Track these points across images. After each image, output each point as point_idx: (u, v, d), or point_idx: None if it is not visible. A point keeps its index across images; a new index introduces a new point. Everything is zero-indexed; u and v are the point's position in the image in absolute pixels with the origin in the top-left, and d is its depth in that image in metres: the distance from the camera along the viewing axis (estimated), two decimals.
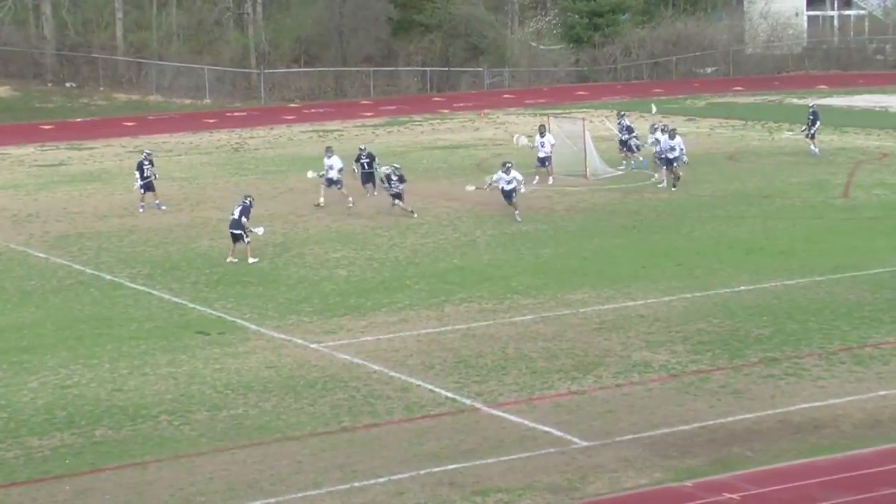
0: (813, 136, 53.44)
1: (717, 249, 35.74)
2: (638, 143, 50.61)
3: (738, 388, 23.71)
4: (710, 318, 28.48)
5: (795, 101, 63.85)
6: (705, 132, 63.68)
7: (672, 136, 46.02)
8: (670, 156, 45.72)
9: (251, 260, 35.03)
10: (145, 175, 43.46)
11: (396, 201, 41.17)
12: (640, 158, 50.53)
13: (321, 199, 43.77)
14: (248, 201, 35.85)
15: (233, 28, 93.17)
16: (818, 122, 53.60)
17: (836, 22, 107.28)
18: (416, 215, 40.62)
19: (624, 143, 51.06)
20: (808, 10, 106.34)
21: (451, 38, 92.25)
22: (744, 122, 67.04)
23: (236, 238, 35.39)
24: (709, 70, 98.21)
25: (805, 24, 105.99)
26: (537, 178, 46.95)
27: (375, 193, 44.17)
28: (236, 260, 35.22)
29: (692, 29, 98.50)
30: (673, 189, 45.17)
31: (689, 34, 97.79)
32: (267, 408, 23.23)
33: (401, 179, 41.12)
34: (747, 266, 33.52)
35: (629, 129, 51.17)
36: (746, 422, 21.97)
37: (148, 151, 45.47)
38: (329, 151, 44.32)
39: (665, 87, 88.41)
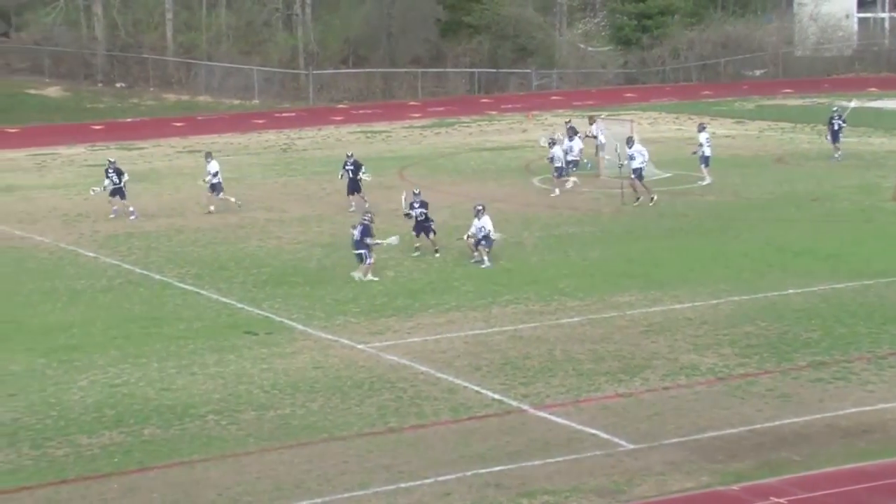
0: (837, 138, 52.74)
1: (766, 252, 35.57)
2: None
3: (785, 392, 23.59)
4: (758, 321, 28.35)
5: (845, 103, 63.46)
6: (754, 135, 63.37)
7: (630, 144, 43.71)
8: (633, 165, 42.99)
9: (371, 278, 33.22)
10: (115, 183, 43.07)
11: (423, 236, 36.46)
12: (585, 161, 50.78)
13: (211, 207, 43.82)
14: (367, 218, 34.13)
15: (282, 29, 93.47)
16: (844, 125, 53.14)
17: (887, 24, 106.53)
18: (438, 255, 35.92)
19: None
20: (858, 11, 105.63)
21: (500, 40, 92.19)
22: (793, 124, 66.66)
23: (360, 258, 33.60)
24: (758, 72, 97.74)
25: (855, 26, 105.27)
26: (571, 180, 46.72)
27: (353, 207, 42.30)
28: (361, 276, 33.38)
29: (741, 31, 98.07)
30: (634, 204, 42.64)
31: (738, 36, 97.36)
32: (314, 408, 23.30)
33: (423, 205, 36.51)
34: (796, 269, 33.35)
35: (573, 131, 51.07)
36: (794, 426, 21.87)
37: (112, 160, 45.01)
38: (208, 157, 44.40)
39: (714, 90, 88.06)
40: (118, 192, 43.30)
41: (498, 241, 35.30)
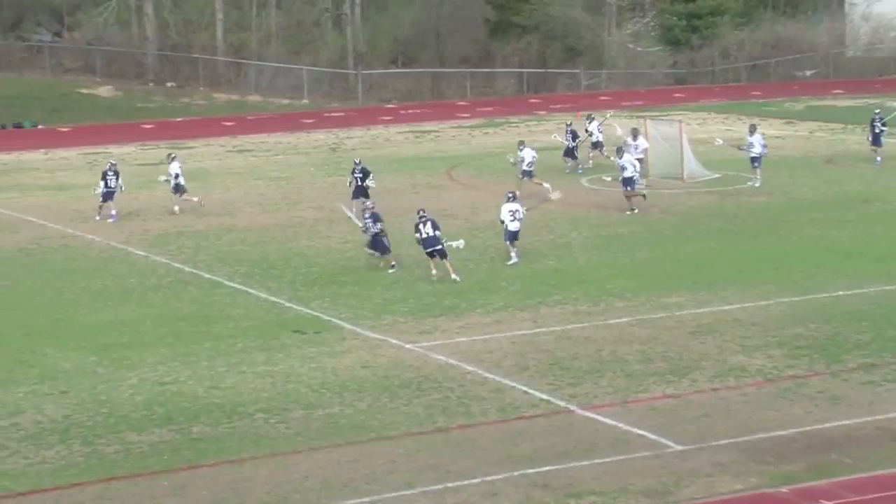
0: (879, 142, 52.06)
1: (816, 253, 35.38)
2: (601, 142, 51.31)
3: (835, 394, 23.46)
4: (808, 322, 28.20)
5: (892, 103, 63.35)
6: (804, 135, 63.04)
7: (620, 154, 42.68)
8: (624, 175, 42.01)
9: (454, 277, 32.85)
10: (109, 185, 43.12)
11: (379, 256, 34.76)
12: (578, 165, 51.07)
13: (176, 208, 44.04)
14: (424, 213, 33.80)
15: (331, 29, 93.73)
16: (885, 128, 52.38)
17: None
18: (393, 271, 34.22)
19: (571, 150, 51.48)
20: None
21: (549, 40, 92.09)
22: (843, 125, 66.25)
23: (441, 254, 33.19)
24: (808, 73, 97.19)
25: None
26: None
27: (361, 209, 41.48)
28: (456, 277, 33.02)
29: (791, 31, 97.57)
30: (628, 213, 41.54)
31: (788, 36, 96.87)
32: (362, 407, 23.35)
33: (376, 219, 34.74)
34: (846, 271, 33.15)
35: (574, 135, 51.19)
36: (844, 428, 21.74)
37: (113, 162, 45.12)
38: (171, 158, 44.72)
39: (763, 90, 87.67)
40: (109, 195, 43.16)
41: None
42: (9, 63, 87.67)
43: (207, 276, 34.45)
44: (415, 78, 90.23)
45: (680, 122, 51.93)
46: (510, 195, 35.99)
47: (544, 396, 23.70)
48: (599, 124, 52.98)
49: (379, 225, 34.52)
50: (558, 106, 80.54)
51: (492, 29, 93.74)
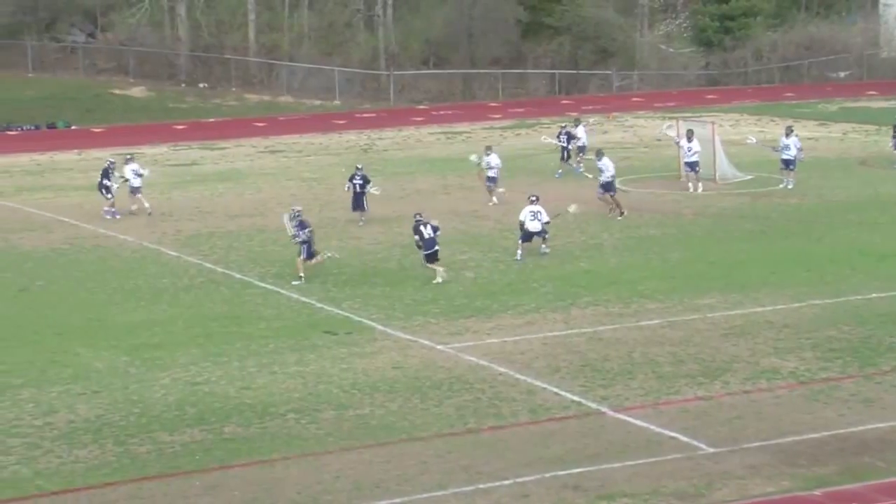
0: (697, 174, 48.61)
1: (849, 256, 35.23)
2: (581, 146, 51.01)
3: (869, 397, 23.35)
4: (841, 325, 28.08)
5: None
6: (838, 137, 62.77)
7: (600, 157, 42.13)
8: (602, 179, 41.47)
9: (440, 279, 32.98)
10: (105, 183, 43.49)
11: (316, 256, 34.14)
12: (573, 165, 50.81)
13: (133, 206, 44.25)
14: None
15: (363, 30, 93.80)
16: None
17: None
18: (299, 283, 33.36)
19: (565, 150, 51.13)
20: None
21: (580, 41, 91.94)
22: (878, 126, 65.90)
23: (436, 257, 33.45)
24: (842, 74, 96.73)
25: None
26: (691, 184, 46.42)
27: (362, 220, 41.33)
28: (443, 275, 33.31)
29: (825, 32, 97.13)
30: (619, 218, 40.98)
31: (821, 38, 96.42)
32: (393, 408, 23.37)
33: (302, 226, 33.97)
34: (880, 273, 33.00)
35: (569, 138, 50.95)
36: (878, 431, 21.64)
37: (111, 160, 45.24)
38: (129, 160, 44.65)
39: (797, 91, 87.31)
40: (108, 190, 43.62)
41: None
42: (43, 64, 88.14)
43: (239, 276, 34.54)
44: (446, 79, 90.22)
45: (713, 123, 51.77)
46: (532, 198, 36.35)
47: (576, 398, 23.67)
48: (586, 128, 52.97)
49: (307, 231, 33.98)
50: (590, 107, 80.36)
51: (523, 30, 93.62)
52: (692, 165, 46.64)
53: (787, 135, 47.28)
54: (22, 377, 25.76)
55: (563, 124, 53.41)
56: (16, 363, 26.84)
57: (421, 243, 33.62)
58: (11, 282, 34.73)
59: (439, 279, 33.15)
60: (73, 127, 75.11)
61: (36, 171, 56.81)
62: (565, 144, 51.01)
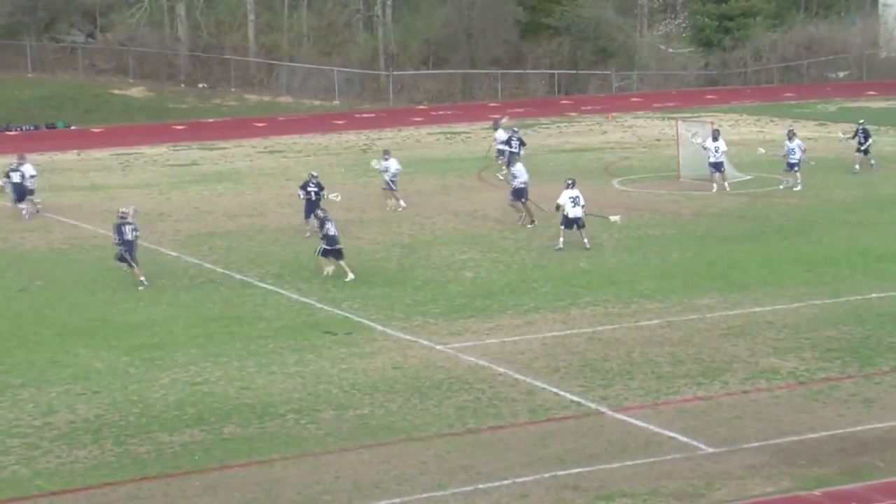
0: (867, 152, 50.89)
1: (848, 256, 35.23)
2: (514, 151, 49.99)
3: (868, 397, 23.36)
4: (840, 325, 28.09)
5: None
6: (837, 137, 62.69)
7: (513, 163, 41.75)
8: (515, 184, 40.54)
9: (350, 277, 33.42)
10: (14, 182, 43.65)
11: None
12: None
13: (39, 205, 44.53)
14: (322, 213, 34.64)
15: (362, 30, 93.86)
16: (870, 139, 51.12)
17: None
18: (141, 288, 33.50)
19: (501, 153, 50.55)
20: None
21: (580, 41, 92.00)
22: (877, 126, 65.88)
23: (340, 254, 34.00)
24: (841, 74, 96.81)
25: None
26: (716, 184, 46.39)
27: (310, 232, 38.82)
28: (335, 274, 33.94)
29: (824, 32, 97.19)
30: (529, 226, 40.06)
31: (821, 38, 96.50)
32: (392, 408, 23.38)
33: (121, 232, 33.77)
34: (879, 273, 33.01)
35: (521, 142, 50.53)
36: (877, 431, 21.65)
37: (17, 162, 45.02)
38: (21, 158, 44.69)
39: (796, 91, 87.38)
40: (21, 193, 43.78)
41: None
42: (42, 64, 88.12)
43: (239, 276, 34.54)
44: (446, 79, 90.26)
45: (712, 123, 51.78)
46: (569, 182, 37.04)
47: (575, 398, 23.68)
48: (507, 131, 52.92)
49: (135, 234, 34.17)
50: (589, 107, 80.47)
51: (523, 30, 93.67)
52: (717, 166, 46.47)
53: (791, 138, 47.19)
54: (21, 377, 25.77)
55: (515, 129, 53.24)
56: (15, 363, 26.85)
57: (325, 238, 34.14)
58: (11, 282, 34.74)
59: (350, 276, 33.55)
60: (72, 127, 75.18)
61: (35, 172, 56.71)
62: (517, 150, 50.39)
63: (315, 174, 40.66)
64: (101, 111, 79.47)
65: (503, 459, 20.69)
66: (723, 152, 46.56)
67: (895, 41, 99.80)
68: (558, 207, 36.87)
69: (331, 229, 34.08)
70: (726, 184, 46.36)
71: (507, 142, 50.92)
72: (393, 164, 44.28)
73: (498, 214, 42.54)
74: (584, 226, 36.70)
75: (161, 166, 57.57)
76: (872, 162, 50.53)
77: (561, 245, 36.48)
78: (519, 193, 40.48)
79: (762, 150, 50.66)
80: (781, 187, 46.62)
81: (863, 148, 50.70)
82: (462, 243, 38.14)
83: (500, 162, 51.57)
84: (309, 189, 39.58)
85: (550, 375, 25.04)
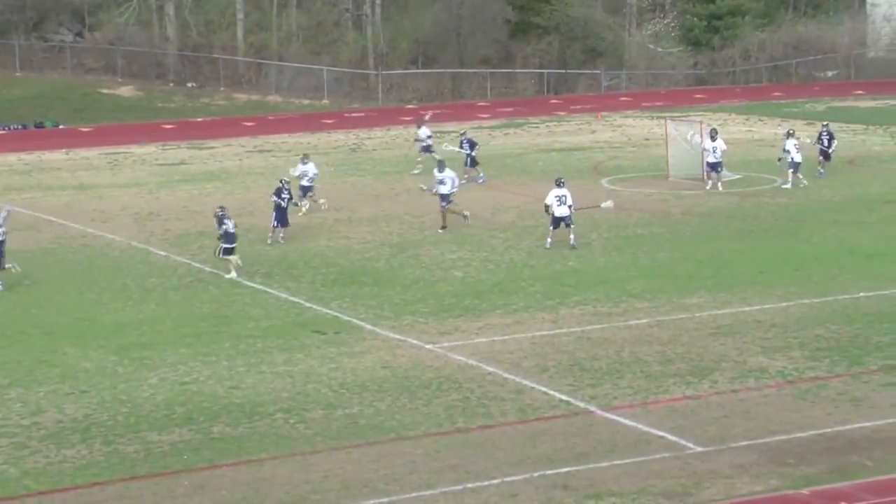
0: (828, 156, 49.38)
1: (837, 255, 35.29)
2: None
3: (856, 396, 23.40)
4: (829, 324, 28.13)
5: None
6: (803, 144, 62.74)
7: (441, 168, 40.52)
8: (441, 191, 39.94)
9: (232, 276, 33.95)
10: None
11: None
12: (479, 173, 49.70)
13: None
14: (220, 212, 34.79)
15: (351, 29, 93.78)
16: (835, 141, 49.86)
17: None
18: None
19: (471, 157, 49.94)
20: None
21: (569, 41, 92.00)
22: (865, 126, 66.06)
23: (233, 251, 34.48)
24: (829, 73, 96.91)
25: None
26: (710, 182, 46.39)
27: (282, 237, 38.67)
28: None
29: (813, 32, 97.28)
30: (440, 231, 39.71)
31: (809, 37, 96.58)
32: (381, 407, 23.37)
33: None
34: (868, 272, 33.06)
35: (471, 144, 50.05)
36: (865, 430, 21.68)
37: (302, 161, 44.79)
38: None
39: (785, 91, 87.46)
40: None
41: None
42: (30, 63, 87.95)
43: (227, 276, 34.48)
44: (435, 78, 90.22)
45: (700, 122, 51.82)
46: (559, 181, 37.32)
47: (564, 397, 23.69)
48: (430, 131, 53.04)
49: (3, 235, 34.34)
50: (578, 107, 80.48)
51: (512, 29, 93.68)
52: (714, 166, 46.41)
53: (789, 137, 47.06)
54: (9, 377, 25.72)
55: (462, 131, 53.17)
56: (3, 363, 26.79)
57: (223, 236, 34.46)
58: None
59: (234, 274, 33.92)
60: (61, 126, 75.03)
61: (24, 171, 56.72)
62: (468, 151, 50.18)
63: (286, 180, 39.62)
64: (89, 110, 79.34)
65: (492, 459, 20.69)
66: (722, 151, 46.54)
67: (883, 41, 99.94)
68: (547, 208, 36.93)
69: (230, 227, 34.48)
70: (720, 184, 46.37)
71: (461, 144, 50.31)
72: (311, 169, 43.72)
73: (487, 214, 42.54)
74: (571, 224, 36.69)
75: (150, 165, 57.49)
76: (821, 170, 48.80)
77: (549, 243, 36.55)
78: (442, 198, 40.00)
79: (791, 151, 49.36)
80: (778, 184, 46.62)
81: (828, 150, 49.33)
82: (451, 243, 38.14)
83: (419, 161, 51.77)
84: (283, 196, 38.55)
85: (539, 375, 25.05)
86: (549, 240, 36.70)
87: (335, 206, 44.17)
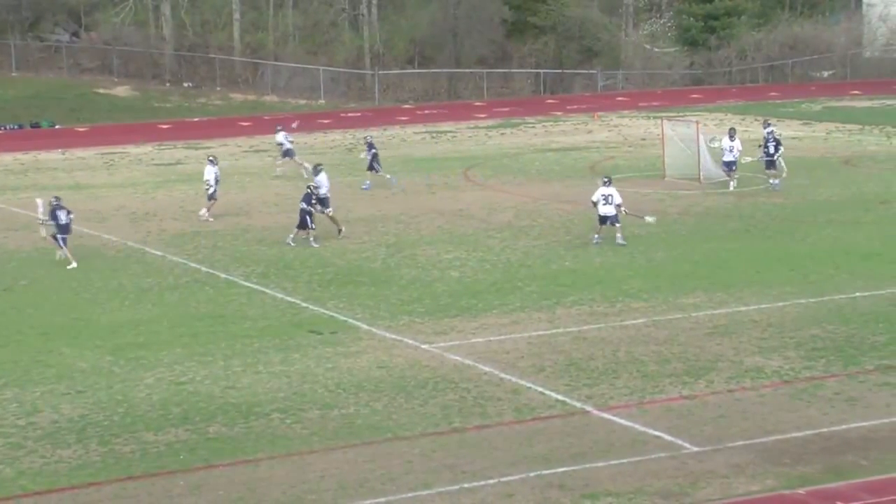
0: (772, 164, 46.86)
1: (833, 255, 35.30)
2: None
3: (852, 396, 23.40)
4: (825, 324, 28.14)
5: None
6: (822, 136, 62.92)
7: (317, 172, 40.09)
8: (320, 194, 39.02)
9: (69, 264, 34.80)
10: None
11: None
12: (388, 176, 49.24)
13: None
14: (55, 202, 36.23)
15: (348, 29, 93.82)
16: (781, 148, 47.08)
17: None
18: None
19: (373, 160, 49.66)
20: None
21: (565, 41, 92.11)
22: (861, 126, 66.15)
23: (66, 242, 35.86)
24: (826, 73, 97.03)
25: None
26: (732, 183, 46.40)
27: (313, 239, 38.15)
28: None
29: (809, 32, 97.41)
30: (340, 236, 39.00)
31: (805, 37, 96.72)
32: (378, 407, 23.36)
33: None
34: (863, 272, 33.08)
35: (371, 147, 49.82)
36: (861, 430, 21.69)
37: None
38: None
39: (781, 91, 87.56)
40: None
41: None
42: (27, 63, 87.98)
43: (224, 275, 34.49)
44: (431, 78, 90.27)
45: (697, 122, 51.85)
46: (605, 179, 37.67)
47: (560, 397, 23.68)
48: (288, 135, 53.20)
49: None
50: (575, 106, 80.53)
51: (509, 29, 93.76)
52: (730, 165, 46.41)
53: (732, 137, 46.80)
54: (5, 377, 25.70)
55: (366, 135, 53.12)
56: None
57: (55, 226, 35.92)
58: None
59: (74, 264, 35.39)
60: (56, 126, 75.07)
61: (20, 171, 56.73)
62: (368, 155, 49.96)
63: (316, 186, 39.33)
64: (85, 110, 79.38)
65: (488, 458, 20.68)
66: (738, 152, 46.46)
67: (879, 41, 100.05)
68: (595, 204, 37.42)
69: (62, 218, 35.86)
70: (732, 183, 46.26)
71: (369, 147, 50.03)
72: (208, 171, 43.11)
73: (484, 214, 42.56)
74: (617, 223, 37.04)
75: (146, 165, 57.49)
76: (773, 182, 46.61)
77: (597, 239, 37.05)
78: (323, 203, 39.24)
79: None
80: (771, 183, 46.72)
81: (773, 158, 46.84)
82: (447, 242, 38.14)
83: (278, 163, 52.09)
84: (313, 202, 38.30)
85: (536, 374, 25.04)
86: (595, 236, 37.19)
87: (331, 206, 44.12)
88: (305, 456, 21.08)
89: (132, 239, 39.95)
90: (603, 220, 37.23)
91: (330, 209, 39.60)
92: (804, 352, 26.14)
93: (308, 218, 38.09)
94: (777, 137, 47.83)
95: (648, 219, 38.25)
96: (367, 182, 48.88)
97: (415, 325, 29.04)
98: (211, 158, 44.23)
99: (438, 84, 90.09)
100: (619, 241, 36.86)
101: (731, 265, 34.32)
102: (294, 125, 57.85)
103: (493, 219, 41.68)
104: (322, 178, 40.33)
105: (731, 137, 46.70)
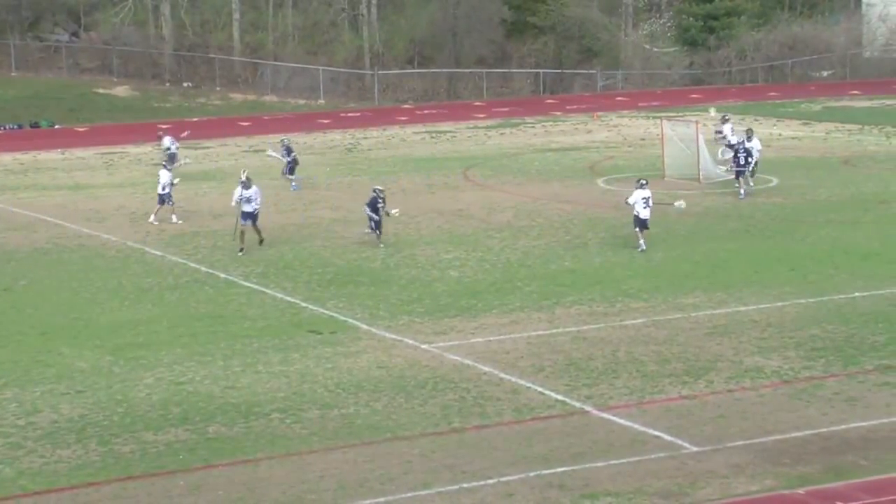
0: (752, 174, 45.86)
1: (832, 255, 35.31)
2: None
3: (852, 396, 23.41)
4: (824, 324, 28.15)
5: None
6: (821, 136, 62.91)
7: (247, 186, 38.01)
8: (245, 209, 37.34)
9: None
10: None
11: None
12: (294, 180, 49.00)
13: None
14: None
15: (347, 29, 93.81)
16: (752, 159, 45.28)
17: None
18: None
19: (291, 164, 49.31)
20: None
21: (565, 41, 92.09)
22: (860, 126, 66.14)
23: None
24: (825, 73, 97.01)
25: None
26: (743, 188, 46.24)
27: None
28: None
29: (808, 32, 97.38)
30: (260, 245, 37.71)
31: (805, 37, 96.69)
32: (377, 407, 23.36)
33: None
34: (863, 272, 33.08)
35: (289, 150, 49.49)
36: (861, 430, 21.70)
37: None
38: None
39: (780, 91, 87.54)
40: None
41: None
42: (26, 63, 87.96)
43: (223, 275, 34.50)
44: (431, 78, 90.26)
45: (696, 122, 51.84)
46: (643, 182, 37.01)
47: (560, 397, 23.69)
48: (174, 140, 52.50)
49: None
50: (574, 106, 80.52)
51: (508, 29, 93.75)
52: (754, 164, 46.23)
53: (749, 138, 46.58)
54: (5, 377, 25.70)
55: (282, 138, 53.10)
56: None
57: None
58: None
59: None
60: (56, 126, 75.04)
61: (19, 171, 56.72)
62: (288, 158, 49.75)
63: (381, 189, 38.88)
64: (85, 110, 79.36)
65: (488, 458, 20.69)
66: (758, 151, 46.24)
67: (879, 41, 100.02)
68: (632, 207, 36.57)
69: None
70: (748, 185, 45.91)
71: (287, 151, 49.65)
72: (164, 176, 42.85)
73: (483, 214, 42.56)
74: (647, 227, 36.54)
75: (146, 165, 57.43)
76: (742, 191, 44.72)
77: (643, 246, 36.06)
78: (244, 216, 37.44)
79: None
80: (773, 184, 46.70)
81: (743, 169, 44.90)
82: (447, 242, 38.14)
83: (168, 168, 51.22)
84: (378, 206, 37.80)
85: (535, 374, 25.05)
86: (641, 241, 36.16)
87: (331, 206, 44.17)
88: (305, 456, 21.09)
89: (132, 239, 39.95)
90: (642, 223, 36.39)
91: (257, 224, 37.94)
92: (804, 352, 26.15)
93: (373, 223, 37.90)
94: (748, 148, 45.14)
95: (678, 204, 37.95)
96: (294, 183, 48.74)
97: (414, 324, 29.04)
98: (165, 163, 44.43)
99: (438, 84, 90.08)
100: (642, 246, 36.24)
101: (731, 265, 34.32)
102: (184, 134, 57.37)
103: (493, 219, 41.68)
104: (254, 192, 38.02)
105: (749, 138, 46.24)
